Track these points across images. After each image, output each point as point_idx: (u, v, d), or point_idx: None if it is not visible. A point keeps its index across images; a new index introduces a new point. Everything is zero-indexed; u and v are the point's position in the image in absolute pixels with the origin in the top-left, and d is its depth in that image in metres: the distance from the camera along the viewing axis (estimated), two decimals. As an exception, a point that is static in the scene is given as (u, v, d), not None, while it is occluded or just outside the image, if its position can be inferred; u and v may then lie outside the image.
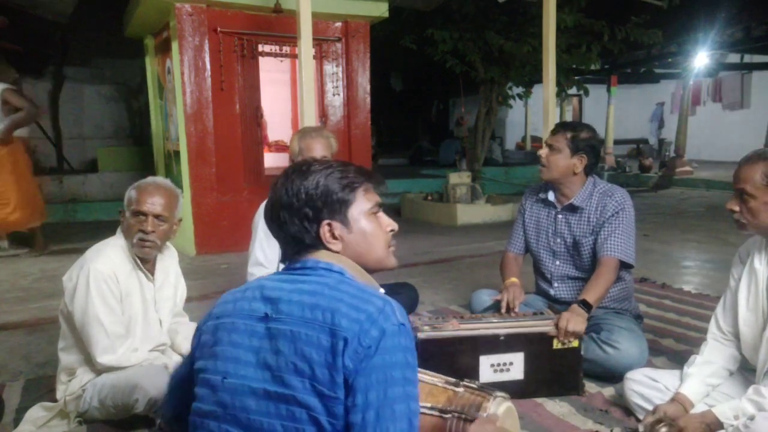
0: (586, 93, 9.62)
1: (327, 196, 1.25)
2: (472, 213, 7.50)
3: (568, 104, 15.61)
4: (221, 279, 4.65)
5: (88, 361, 2.21)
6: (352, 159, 6.07)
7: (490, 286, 3.14)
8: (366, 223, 1.29)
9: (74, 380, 2.24)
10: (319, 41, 5.92)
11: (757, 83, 14.69)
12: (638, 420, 2.14)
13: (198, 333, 1.31)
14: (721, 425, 1.85)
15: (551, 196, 2.82)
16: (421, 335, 2.31)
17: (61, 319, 2.26)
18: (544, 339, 2.40)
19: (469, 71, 8.61)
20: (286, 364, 1.13)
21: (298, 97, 4.91)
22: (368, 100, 6.52)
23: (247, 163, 5.92)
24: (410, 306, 3.22)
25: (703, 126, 15.45)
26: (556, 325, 2.39)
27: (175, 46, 5.57)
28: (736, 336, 2.05)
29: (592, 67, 9.78)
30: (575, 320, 2.37)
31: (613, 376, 2.50)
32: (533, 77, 9.20)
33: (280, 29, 5.73)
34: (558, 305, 2.74)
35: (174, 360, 2.41)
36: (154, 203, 2.18)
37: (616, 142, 13.93)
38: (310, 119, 4.36)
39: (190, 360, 1.34)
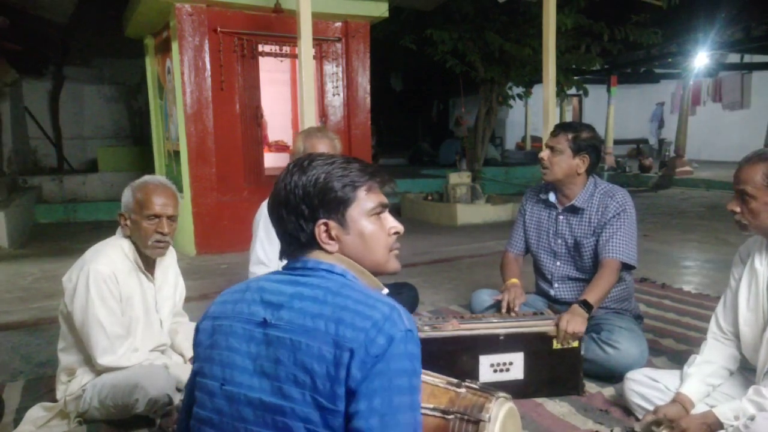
0: (586, 93, 9.63)
1: (325, 193, 1.18)
2: (472, 213, 7.51)
3: (568, 104, 15.59)
4: (221, 279, 4.65)
5: (88, 361, 2.21)
6: (352, 159, 6.06)
7: (490, 286, 3.13)
8: (366, 225, 1.21)
9: (74, 380, 2.24)
10: (319, 41, 5.93)
11: (757, 83, 14.67)
12: (638, 420, 2.14)
13: (195, 332, 1.28)
14: (721, 425, 1.85)
15: (552, 197, 2.81)
16: (421, 335, 2.30)
17: (60, 319, 2.26)
18: (544, 339, 2.40)
19: (469, 71, 8.60)
20: (287, 375, 1.09)
21: (298, 97, 4.91)
22: (368, 100, 6.52)
23: (247, 163, 5.93)
24: (410, 306, 3.24)
25: (703, 126, 15.44)
26: (557, 326, 2.39)
27: (175, 46, 5.58)
28: (737, 336, 2.05)
29: (592, 68, 9.78)
30: (575, 321, 2.37)
31: (613, 376, 2.51)
32: (533, 77, 9.20)
33: (280, 29, 5.74)
34: (558, 305, 2.74)
35: (174, 360, 2.42)
36: (166, 205, 2.19)
37: (616, 142, 13.91)
38: (310, 119, 4.36)
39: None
